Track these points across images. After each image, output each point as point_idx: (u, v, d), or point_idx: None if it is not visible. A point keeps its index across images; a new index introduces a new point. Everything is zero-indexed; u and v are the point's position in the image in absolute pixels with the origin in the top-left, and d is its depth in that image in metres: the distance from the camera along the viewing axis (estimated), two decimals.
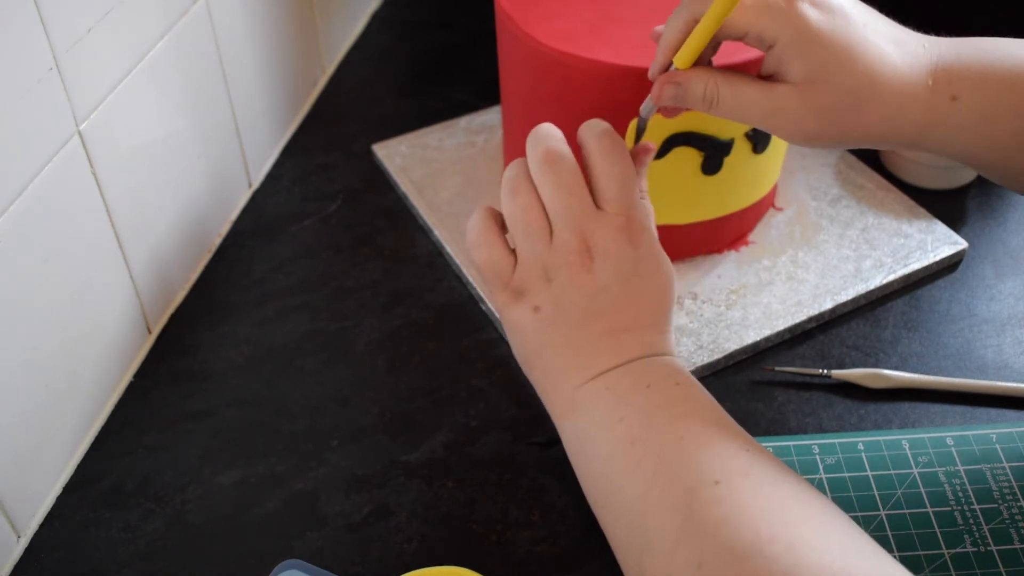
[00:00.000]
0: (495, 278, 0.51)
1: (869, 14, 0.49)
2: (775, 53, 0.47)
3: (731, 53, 0.56)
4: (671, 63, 0.50)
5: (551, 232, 0.49)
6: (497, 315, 0.62)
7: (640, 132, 0.54)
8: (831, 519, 0.41)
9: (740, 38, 0.48)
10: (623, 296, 0.49)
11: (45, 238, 0.52)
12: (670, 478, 0.42)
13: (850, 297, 0.64)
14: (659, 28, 0.52)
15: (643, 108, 0.53)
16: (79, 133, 0.54)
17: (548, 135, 0.50)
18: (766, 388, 0.60)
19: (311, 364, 0.62)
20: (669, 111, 0.52)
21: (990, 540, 0.51)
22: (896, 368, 0.60)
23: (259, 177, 0.76)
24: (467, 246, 0.52)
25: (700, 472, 0.42)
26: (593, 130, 0.50)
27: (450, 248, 0.68)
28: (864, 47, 0.47)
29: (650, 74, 0.51)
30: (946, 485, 0.54)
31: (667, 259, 0.51)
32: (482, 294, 0.64)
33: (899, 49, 0.48)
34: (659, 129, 0.58)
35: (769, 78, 0.49)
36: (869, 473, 0.54)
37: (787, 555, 0.38)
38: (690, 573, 0.39)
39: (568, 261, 0.48)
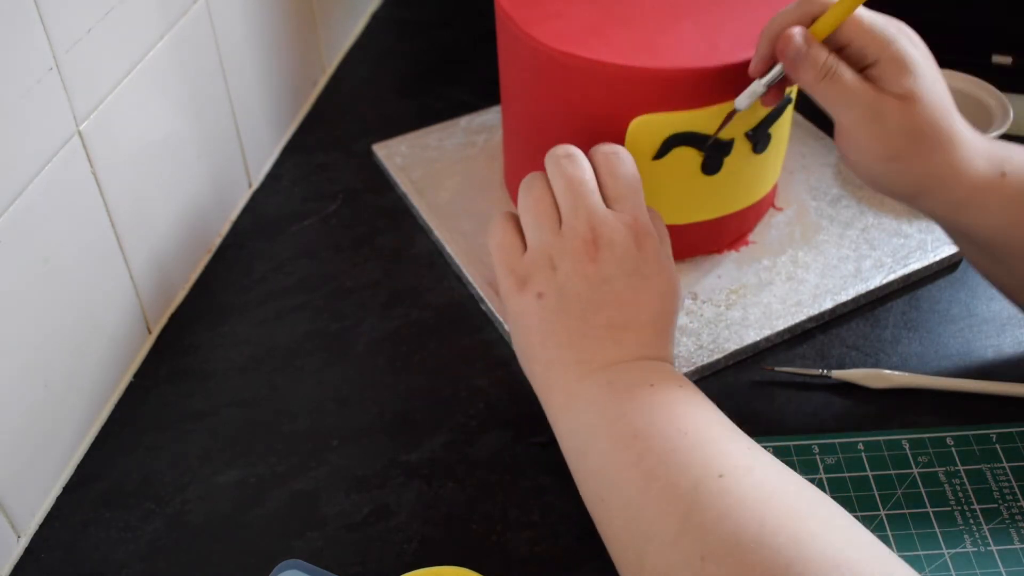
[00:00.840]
0: (503, 260, 0.52)
1: None
2: (876, 70, 0.50)
3: (731, 53, 0.56)
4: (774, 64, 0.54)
5: (560, 224, 0.51)
6: (499, 316, 0.62)
7: (725, 122, 0.58)
8: (835, 516, 0.41)
9: (843, 47, 0.51)
10: (625, 291, 0.49)
11: (45, 238, 0.52)
12: (674, 472, 0.43)
13: (850, 297, 0.63)
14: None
15: (740, 99, 0.56)
16: (79, 133, 0.54)
17: (564, 146, 0.53)
18: (766, 388, 0.60)
19: (311, 364, 0.62)
20: (771, 96, 0.55)
21: (990, 540, 0.51)
22: (896, 368, 0.60)
23: (259, 177, 0.76)
24: (487, 239, 0.54)
25: (704, 466, 0.42)
26: (601, 145, 0.54)
27: (450, 248, 0.68)
28: (944, 93, 0.51)
29: (751, 67, 0.55)
30: (946, 485, 0.54)
31: (674, 269, 0.52)
32: (482, 294, 0.65)
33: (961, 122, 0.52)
34: (659, 129, 0.58)
35: None
36: (869, 473, 0.54)
37: (791, 547, 0.38)
38: (692, 566, 0.39)
39: (574, 248, 0.50)
